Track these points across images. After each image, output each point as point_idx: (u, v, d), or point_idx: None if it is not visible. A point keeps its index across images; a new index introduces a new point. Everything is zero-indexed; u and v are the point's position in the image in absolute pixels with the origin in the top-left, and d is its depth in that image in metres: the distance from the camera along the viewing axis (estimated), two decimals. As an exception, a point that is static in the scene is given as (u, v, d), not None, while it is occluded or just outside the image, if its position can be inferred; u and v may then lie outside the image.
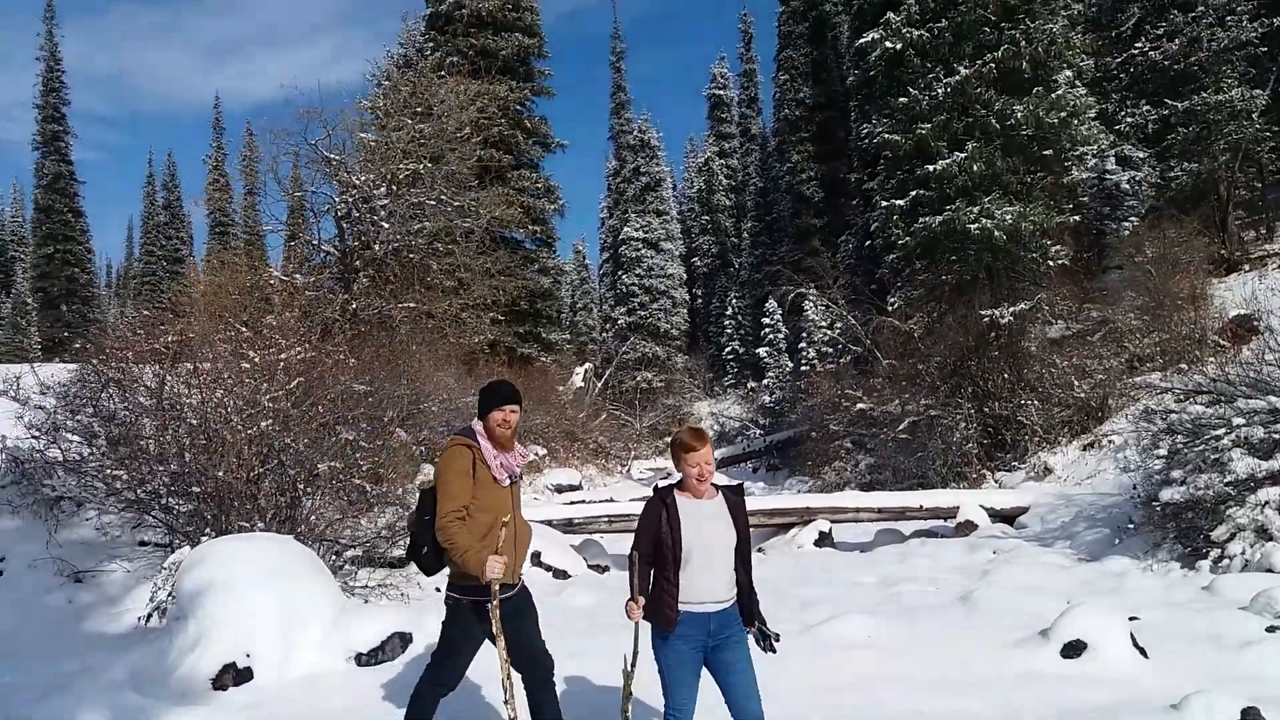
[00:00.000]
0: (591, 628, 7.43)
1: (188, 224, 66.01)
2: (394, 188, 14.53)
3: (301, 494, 8.63)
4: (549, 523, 12.16)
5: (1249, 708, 4.55)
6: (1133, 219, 21.11)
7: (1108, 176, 22.11)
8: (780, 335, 36.92)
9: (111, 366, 9.00)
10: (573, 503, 16.95)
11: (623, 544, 9.08)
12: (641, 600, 3.62)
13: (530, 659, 4.26)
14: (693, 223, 56.58)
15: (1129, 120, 21.92)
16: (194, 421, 8.22)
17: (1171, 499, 8.44)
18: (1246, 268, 19.31)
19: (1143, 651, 5.72)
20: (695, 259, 54.53)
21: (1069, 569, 9.25)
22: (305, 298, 15.68)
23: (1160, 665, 5.59)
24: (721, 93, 54.40)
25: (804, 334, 32.50)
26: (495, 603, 4.05)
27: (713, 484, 3.77)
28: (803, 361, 31.80)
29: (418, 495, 4.51)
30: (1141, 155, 21.85)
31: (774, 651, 3.80)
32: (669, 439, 4.20)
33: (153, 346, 9.34)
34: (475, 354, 24.34)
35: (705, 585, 3.62)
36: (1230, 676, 5.35)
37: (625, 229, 49.80)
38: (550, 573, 10.81)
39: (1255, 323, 14.19)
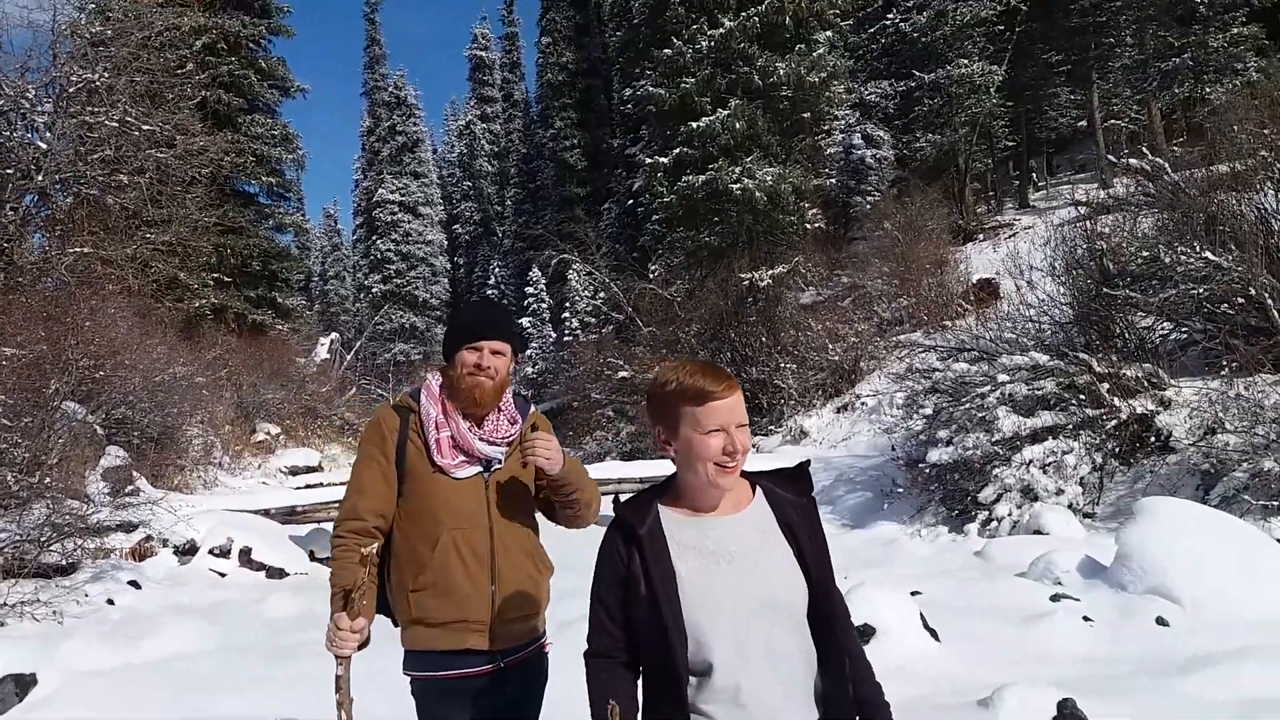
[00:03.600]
0: (289, 649, 5.85)
1: None
2: (63, 103, 11.63)
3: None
4: (265, 513, 11.04)
5: (1064, 699, 3.90)
6: (876, 193, 21.75)
7: (854, 150, 22.70)
8: (544, 305, 35.90)
9: None
10: (307, 486, 15.15)
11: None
12: None
13: None
14: (454, 188, 54.09)
15: (876, 93, 22.54)
16: None
17: (940, 460, 8.06)
18: (981, 237, 20.45)
19: (934, 634, 5.05)
20: (457, 226, 52.18)
21: (836, 537, 8.75)
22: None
23: (954, 648, 4.96)
24: (483, 54, 52.22)
25: (568, 303, 31.67)
26: (338, 693, 2.15)
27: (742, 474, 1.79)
28: (566, 331, 30.97)
29: None
30: (884, 134, 22.55)
31: None
32: (650, 385, 1.75)
33: None
34: (196, 320, 21.52)
35: (756, 702, 1.54)
36: (1028, 656, 4.78)
37: (380, 190, 46.63)
38: (263, 571, 9.74)
39: (997, 283, 14.64)
